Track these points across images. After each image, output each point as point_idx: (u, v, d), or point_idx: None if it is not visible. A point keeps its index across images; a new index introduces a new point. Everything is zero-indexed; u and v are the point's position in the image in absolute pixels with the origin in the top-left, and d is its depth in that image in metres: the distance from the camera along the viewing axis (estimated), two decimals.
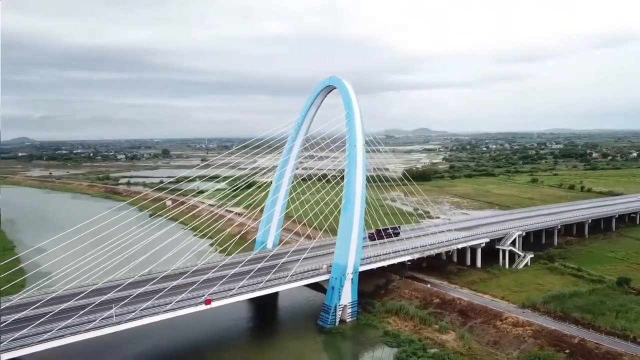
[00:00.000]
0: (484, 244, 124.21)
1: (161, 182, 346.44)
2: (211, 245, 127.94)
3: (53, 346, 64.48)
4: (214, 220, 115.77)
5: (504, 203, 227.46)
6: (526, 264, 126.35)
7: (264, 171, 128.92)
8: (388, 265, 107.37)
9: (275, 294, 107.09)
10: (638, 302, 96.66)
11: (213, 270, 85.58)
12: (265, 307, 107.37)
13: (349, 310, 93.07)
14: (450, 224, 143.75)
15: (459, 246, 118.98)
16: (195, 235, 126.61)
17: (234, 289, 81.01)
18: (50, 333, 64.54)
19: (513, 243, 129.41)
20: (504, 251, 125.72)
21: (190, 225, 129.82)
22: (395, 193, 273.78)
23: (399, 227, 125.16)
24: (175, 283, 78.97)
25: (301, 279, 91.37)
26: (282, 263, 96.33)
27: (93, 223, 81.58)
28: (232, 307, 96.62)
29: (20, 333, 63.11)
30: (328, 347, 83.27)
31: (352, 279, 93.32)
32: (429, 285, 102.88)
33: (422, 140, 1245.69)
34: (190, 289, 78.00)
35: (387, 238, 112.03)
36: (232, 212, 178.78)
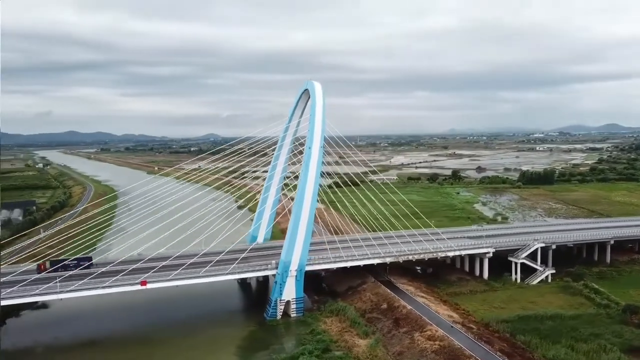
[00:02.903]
0: (490, 254, 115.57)
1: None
2: None
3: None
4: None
5: (610, 212, 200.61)
6: (544, 280, 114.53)
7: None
8: (364, 266, 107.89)
9: (267, 282, 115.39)
10: (620, 334, 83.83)
11: (197, 257, 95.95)
12: (252, 294, 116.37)
13: (293, 306, 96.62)
14: (474, 232, 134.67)
15: (450, 254, 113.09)
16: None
17: (171, 274, 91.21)
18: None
19: (532, 255, 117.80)
20: (516, 264, 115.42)
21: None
22: (508, 196, 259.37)
23: (91, 257, 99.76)
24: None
25: (246, 271, 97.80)
26: (251, 256, 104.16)
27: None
28: (222, 288, 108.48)
29: None
30: (248, 337, 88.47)
31: (296, 276, 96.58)
32: (388, 290, 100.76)
33: (601, 137, 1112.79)
34: (129, 271, 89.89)
35: (64, 271, 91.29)
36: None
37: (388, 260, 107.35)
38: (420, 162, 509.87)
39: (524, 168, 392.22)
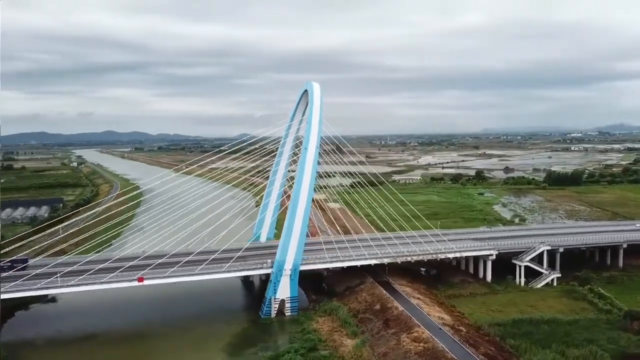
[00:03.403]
0: (493, 257, 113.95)
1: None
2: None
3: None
4: None
5: (634, 215, 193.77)
6: (549, 284, 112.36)
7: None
8: (365, 267, 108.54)
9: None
10: (616, 340, 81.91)
11: (192, 255, 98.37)
12: (253, 292, 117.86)
13: (288, 305, 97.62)
14: (481, 233, 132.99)
15: (450, 256, 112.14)
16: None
17: (167, 271, 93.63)
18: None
19: (538, 259, 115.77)
20: (520, 267, 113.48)
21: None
22: (531, 197, 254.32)
23: (27, 259, 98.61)
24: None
25: (241, 270, 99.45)
26: (249, 255, 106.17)
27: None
28: (226, 286, 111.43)
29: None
30: (239, 334, 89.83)
31: (290, 275, 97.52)
32: (384, 291, 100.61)
33: None
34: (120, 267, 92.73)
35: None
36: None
37: (386, 261, 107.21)
38: (447, 162, 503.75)
39: (554, 169, 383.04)
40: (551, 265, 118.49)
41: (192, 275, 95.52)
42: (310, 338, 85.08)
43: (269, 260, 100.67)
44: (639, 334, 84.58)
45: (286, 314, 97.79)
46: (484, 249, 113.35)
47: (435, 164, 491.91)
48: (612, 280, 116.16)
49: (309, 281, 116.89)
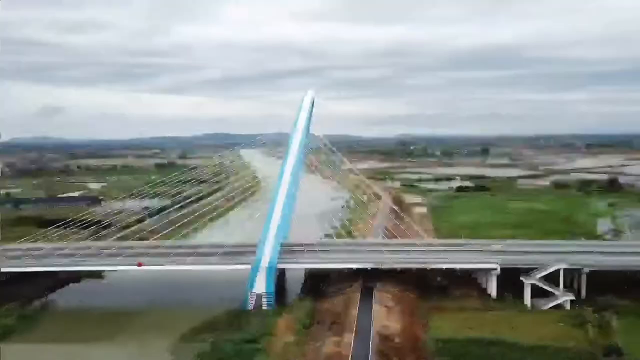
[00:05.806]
0: (498, 271, 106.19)
1: (419, 179, 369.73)
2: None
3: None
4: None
5: None
6: (562, 306, 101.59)
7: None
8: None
9: (283, 275, 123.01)
10: None
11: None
12: None
13: (264, 300, 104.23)
14: (510, 246, 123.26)
15: (444, 267, 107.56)
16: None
17: (164, 259, 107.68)
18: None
19: (553, 277, 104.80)
20: (526, 285, 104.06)
21: None
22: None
23: None
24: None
25: (228, 263, 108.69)
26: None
27: None
28: (243, 277, 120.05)
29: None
30: (208, 321, 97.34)
31: (266, 272, 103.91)
32: (358, 296, 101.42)
33: None
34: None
35: None
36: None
37: (368, 266, 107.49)
38: (601, 167, 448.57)
39: None
40: (578, 287, 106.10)
41: (185, 264, 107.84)
42: (259, 331, 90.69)
43: (253, 257, 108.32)
44: None
45: (263, 309, 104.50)
46: (483, 262, 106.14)
47: (583, 168, 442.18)
48: None
49: (312, 281, 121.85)
